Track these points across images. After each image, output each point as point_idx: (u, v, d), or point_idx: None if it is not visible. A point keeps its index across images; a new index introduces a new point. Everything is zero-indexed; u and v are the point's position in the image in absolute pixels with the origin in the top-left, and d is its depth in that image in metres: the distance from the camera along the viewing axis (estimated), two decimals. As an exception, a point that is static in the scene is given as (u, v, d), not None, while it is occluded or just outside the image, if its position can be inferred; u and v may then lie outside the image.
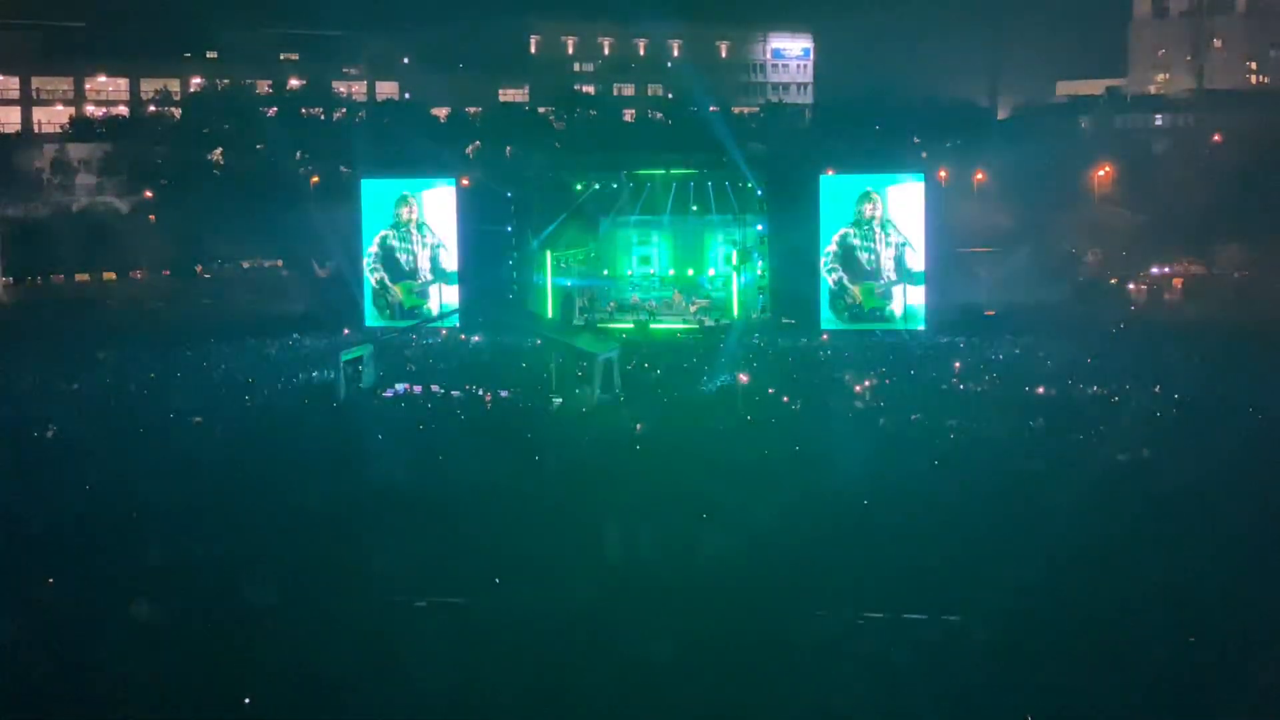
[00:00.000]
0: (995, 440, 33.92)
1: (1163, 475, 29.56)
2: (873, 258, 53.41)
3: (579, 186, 59.06)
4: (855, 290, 53.54)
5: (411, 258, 56.84)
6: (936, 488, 28.86)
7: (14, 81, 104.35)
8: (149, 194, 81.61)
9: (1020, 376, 42.17)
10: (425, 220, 56.79)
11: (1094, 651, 20.00)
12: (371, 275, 56.86)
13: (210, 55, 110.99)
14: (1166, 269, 66.10)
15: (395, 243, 56.84)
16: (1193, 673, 19.37)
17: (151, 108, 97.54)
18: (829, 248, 53.40)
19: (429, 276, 56.73)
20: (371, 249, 56.88)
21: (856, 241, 53.41)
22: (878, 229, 53.31)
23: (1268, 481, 28.72)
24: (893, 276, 53.38)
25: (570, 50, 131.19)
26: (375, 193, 57.83)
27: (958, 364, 45.01)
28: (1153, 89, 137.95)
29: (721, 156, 58.36)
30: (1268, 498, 27.54)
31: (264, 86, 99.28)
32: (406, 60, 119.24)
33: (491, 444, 33.90)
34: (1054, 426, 35.14)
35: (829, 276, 53.43)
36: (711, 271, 59.09)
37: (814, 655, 19.97)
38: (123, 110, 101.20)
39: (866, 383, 41.55)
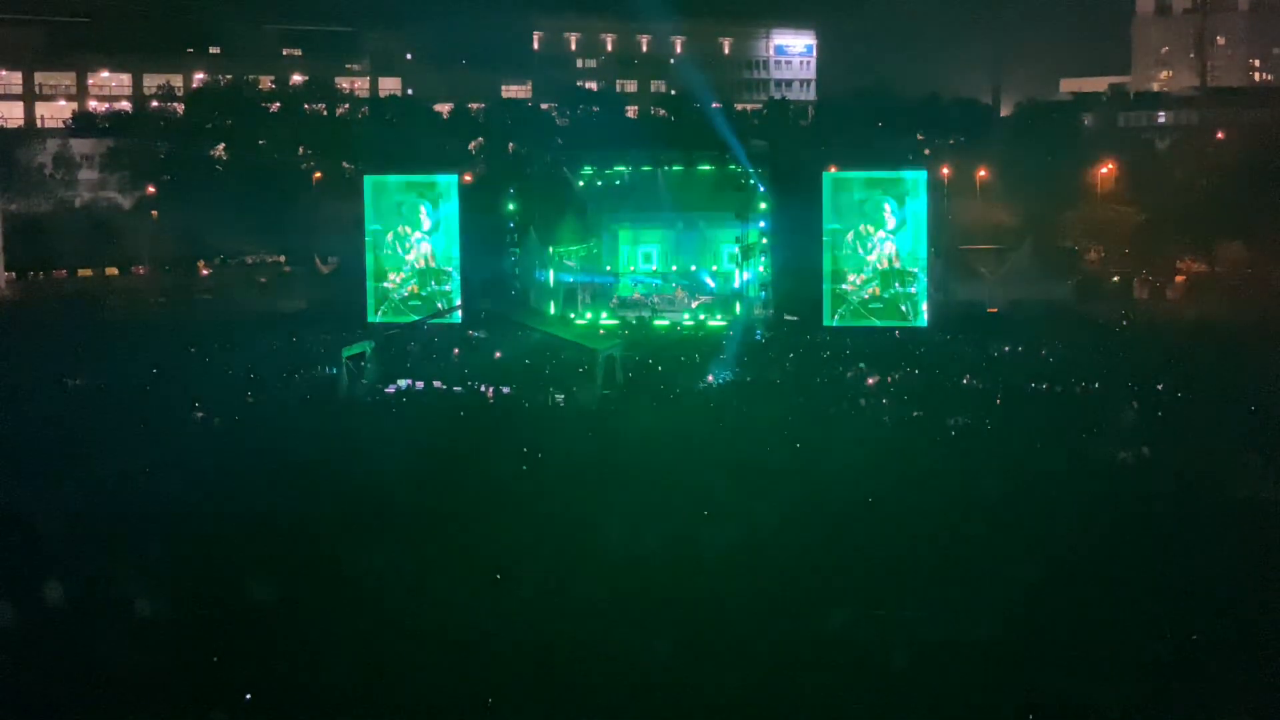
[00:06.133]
0: (997, 436, 33.96)
1: (1163, 471, 29.64)
2: (879, 252, 53.39)
3: (582, 183, 59.04)
4: (858, 280, 53.54)
5: (418, 254, 56.81)
6: (938, 486, 28.86)
7: (17, 76, 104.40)
8: (151, 189, 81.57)
9: (1022, 373, 42.16)
10: (430, 216, 56.76)
11: (1093, 650, 20.04)
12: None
13: (213, 50, 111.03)
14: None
15: (401, 239, 56.82)
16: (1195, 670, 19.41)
17: (154, 103, 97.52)
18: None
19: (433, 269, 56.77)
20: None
21: (861, 236, 53.48)
22: (884, 226, 53.33)
23: (1266, 477, 28.75)
24: (897, 271, 53.38)
25: (573, 46, 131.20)
26: (378, 189, 57.79)
27: (960, 361, 44.99)
28: (1156, 86, 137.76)
29: (724, 153, 58.32)
30: (1264, 494, 27.60)
31: (267, 82, 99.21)
32: (410, 56, 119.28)
33: (493, 440, 33.91)
34: (1057, 423, 35.13)
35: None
36: (715, 268, 59.06)
37: (817, 653, 20.01)
38: (125, 105, 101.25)
39: (870, 380, 41.58)
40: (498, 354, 48.15)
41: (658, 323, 54.97)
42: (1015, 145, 78.13)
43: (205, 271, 73.35)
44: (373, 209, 57.37)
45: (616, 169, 58.59)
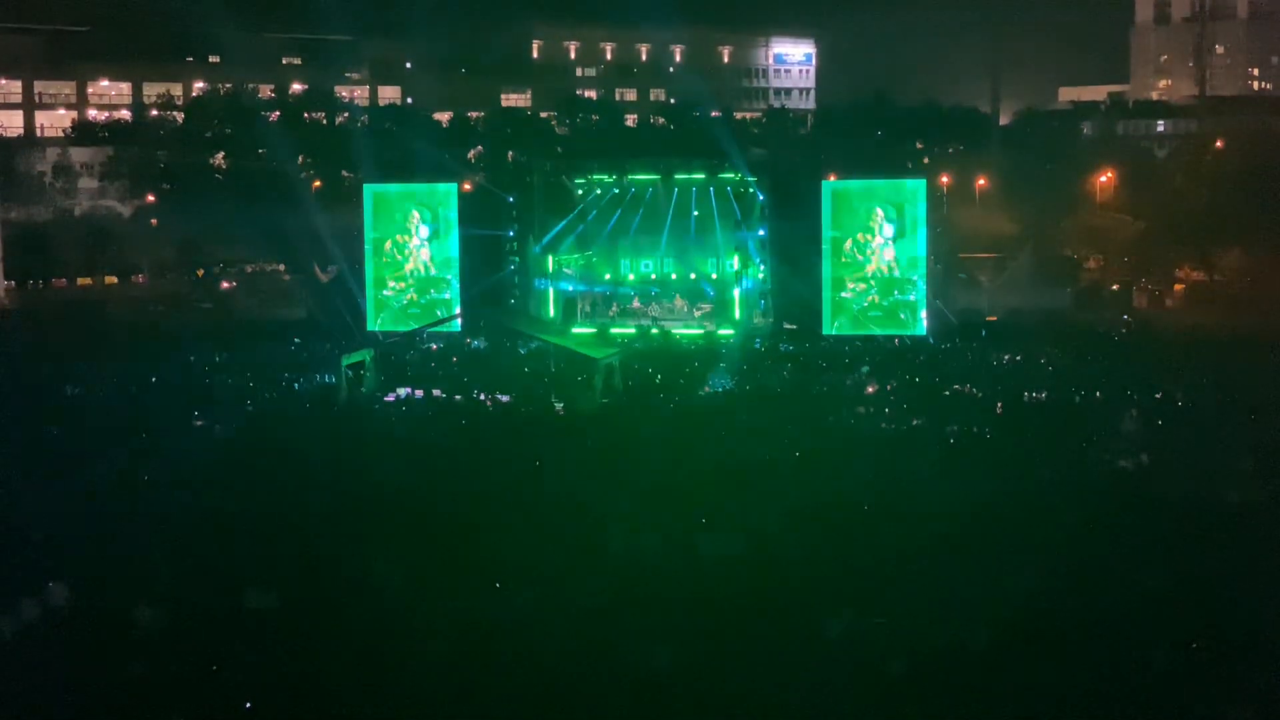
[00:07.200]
0: (997, 444, 33.96)
1: (1163, 479, 29.67)
2: (879, 261, 53.41)
3: (581, 191, 59.05)
4: (857, 288, 53.53)
5: (417, 262, 56.84)
6: (936, 493, 28.84)
7: (17, 85, 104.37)
8: (151, 198, 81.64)
9: (1019, 382, 42.14)
10: (429, 224, 56.79)
11: (1093, 655, 20.04)
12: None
13: (213, 59, 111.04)
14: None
15: (400, 247, 56.87)
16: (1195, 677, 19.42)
17: (154, 112, 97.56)
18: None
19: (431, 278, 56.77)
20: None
21: (860, 244, 53.50)
22: (883, 234, 53.36)
23: (1265, 484, 28.78)
24: (896, 279, 53.40)
25: (572, 55, 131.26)
26: (378, 197, 57.80)
27: (958, 369, 45.00)
28: (1155, 95, 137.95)
29: (723, 162, 58.33)
30: (1263, 500, 27.64)
31: (266, 91, 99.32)
32: (409, 65, 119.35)
33: (493, 448, 33.91)
34: (1056, 431, 35.12)
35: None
36: (714, 276, 59.02)
37: (816, 658, 20.01)
38: (125, 114, 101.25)
39: (869, 388, 41.60)
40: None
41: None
42: (1014, 154, 78.20)
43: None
44: (372, 217, 57.39)
45: (615, 177, 58.58)
